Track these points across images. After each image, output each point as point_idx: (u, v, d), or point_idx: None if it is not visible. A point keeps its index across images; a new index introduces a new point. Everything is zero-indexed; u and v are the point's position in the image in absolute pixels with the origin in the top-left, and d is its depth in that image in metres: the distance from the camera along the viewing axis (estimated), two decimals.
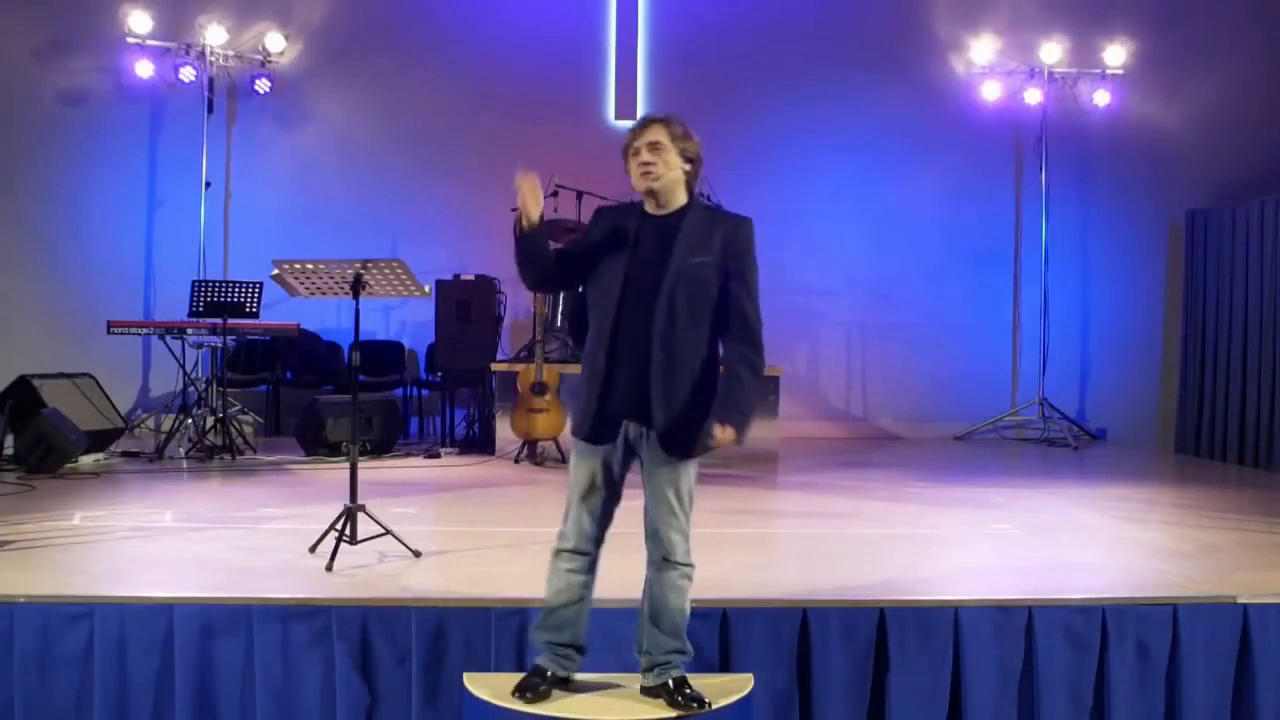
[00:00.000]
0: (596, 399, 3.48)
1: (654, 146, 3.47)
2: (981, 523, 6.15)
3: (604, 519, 3.58)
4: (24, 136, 9.88)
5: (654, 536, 3.53)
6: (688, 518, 3.55)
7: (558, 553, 3.58)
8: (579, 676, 3.69)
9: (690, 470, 3.54)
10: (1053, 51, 10.09)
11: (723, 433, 3.43)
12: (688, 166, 3.53)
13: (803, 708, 4.17)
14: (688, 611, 3.58)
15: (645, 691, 3.60)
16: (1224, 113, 10.27)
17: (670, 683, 3.55)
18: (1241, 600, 4.34)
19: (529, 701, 3.51)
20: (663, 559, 3.52)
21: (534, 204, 3.50)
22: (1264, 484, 8.14)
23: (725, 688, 3.71)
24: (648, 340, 3.42)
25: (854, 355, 10.46)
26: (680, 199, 3.54)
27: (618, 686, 3.70)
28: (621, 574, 3.76)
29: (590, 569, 3.60)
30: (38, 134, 9.87)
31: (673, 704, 3.51)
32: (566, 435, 5.46)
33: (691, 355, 3.46)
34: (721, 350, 3.55)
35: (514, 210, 3.56)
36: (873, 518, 6.28)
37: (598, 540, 3.59)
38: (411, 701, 4.09)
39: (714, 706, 3.54)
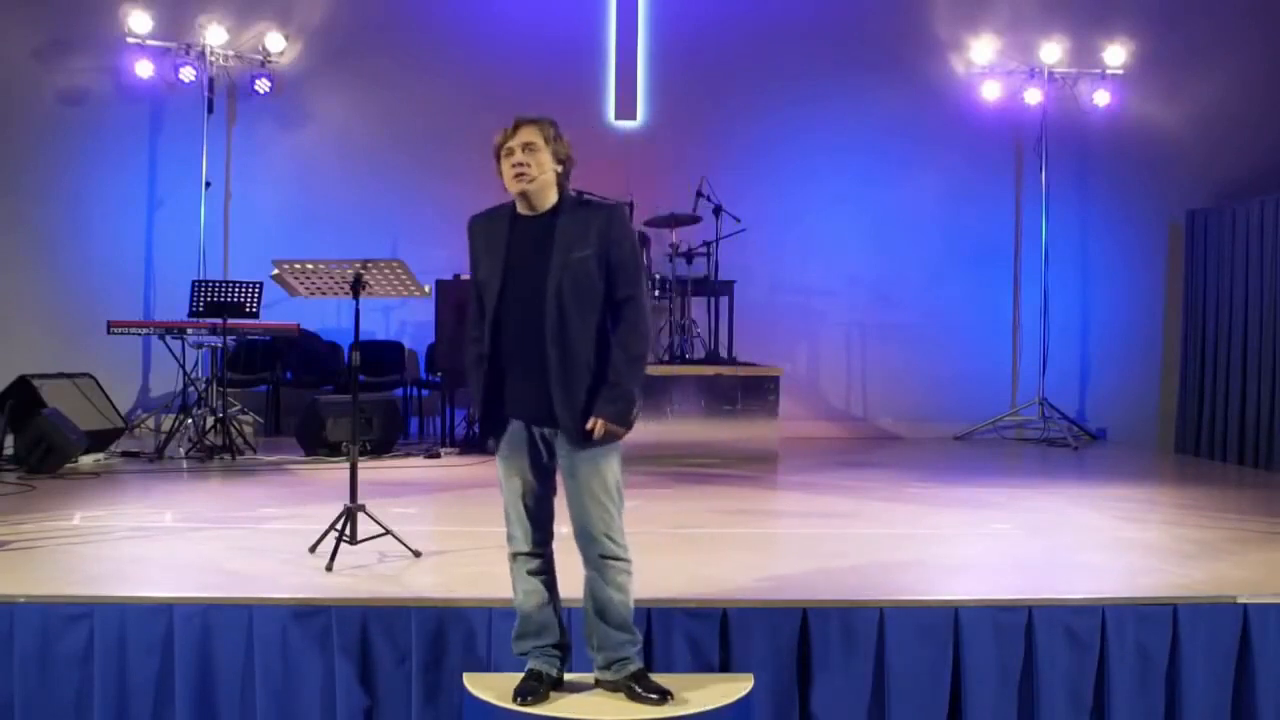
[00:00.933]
0: (496, 405, 3.53)
1: (528, 147, 3.47)
2: (981, 523, 6.15)
3: (545, 516, 3.61)
4: (24, 136, 9.88)
5: (585, 535, 3.51)
6: (619, 510, 3.53)
7: (514, 556, 3.62)
8: (572, 676, 3.70)
9: (612, 462, 3.51)
10: (1053, 51, 10.09)
11: (594, 425, 3.41)
12: (559, 167, 3.53)
13: (803, 708, 4.16)
14: (631, 604, 3.59)
15: (604, 685, 3.61)
16: (1224, 113, 10.28)
17: (631, 675, 3.57)
18: (1241, 600, 4.33)
19: (530, 705, 3.51)
20: (599, 556, 3.51)
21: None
22: (1264, 484, 8.13)
23: (725, 688, 3.71)
24: (540, 341, 3.43)
25: (854, 355, 10.46)
26: (552, 198, 3.54)
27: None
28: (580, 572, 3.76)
29: (549, 566, 3.64)
30: (38, 134, 9.88)
31: (633, 698, 3.52)
32: None
33: (585, 349, 3.46)
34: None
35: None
36: (873, 518, 6.28)
37: (547, 538, 3.63)
38: (411, 701, 4.08)
39: (699, 709, 3.52)
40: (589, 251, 3.45)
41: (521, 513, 3.57)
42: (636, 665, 3.60)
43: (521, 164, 3.46)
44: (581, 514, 3.50)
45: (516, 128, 3.50)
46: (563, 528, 3.65)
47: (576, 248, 3.44)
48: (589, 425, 3.42)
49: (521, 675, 3.63)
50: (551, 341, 3.43)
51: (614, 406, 3.43)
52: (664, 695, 3.51)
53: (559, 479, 3.60)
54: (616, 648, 3.58)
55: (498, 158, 3.54)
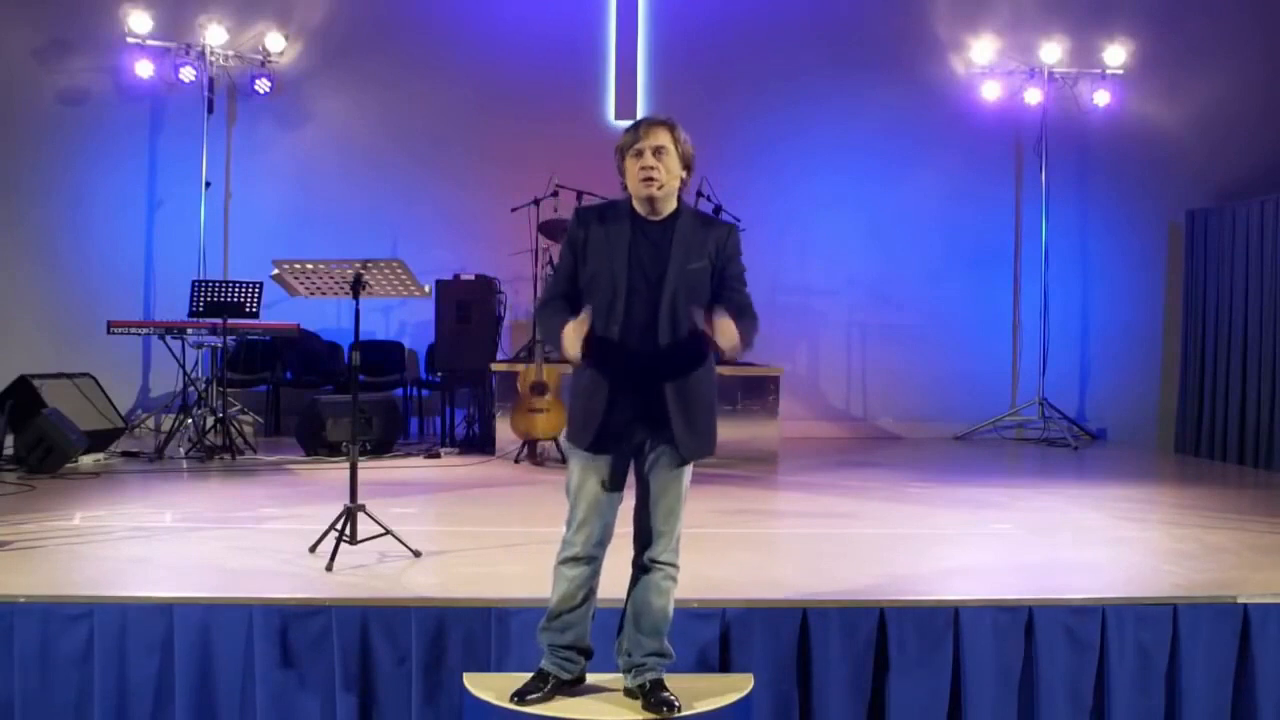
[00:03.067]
0: (604, 410, 3.44)
1: (659, 151, 3.41)
2: (981, 523, 6.15)
3: (612, 522, 3.57)
4: (24, 136, 9.88)
5: (649, 538, 3.52)
6: (680, 520, 3.56)
7: (568, 560, 3.54)
8: (591, 678, 3.70)
9: (689, 474, 3.55)
10: (1053, 51, 10.09)
11: (721, 324, 3.28)
12: (684, 174, 3.50)
13: (803, 708, 4.17)
14: (670, 613, 3.57)
15: (626, 693, 3.60)
16: (1224, 113, 10.28)
17: (647, 684, 3.54)
18: (1241, 600, 4.33)
19: (528, 704, 3.51)
20: (654, 561, 3.52)
21: (573, 345, 3.36)
22: (1264, 484, 8.14)
23: (725, 688, 3.71)
24: (653, 348, 3.41)
25: (854, 355, 10.46)
26: (673, 204, 3.50)
27: (617, 690, 3.70)
28: (623, 573, 3.75)
29: (596, 573, 3.59)
30: (38, 134, 9.88)
31: (646, 706, 3.50)
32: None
33: (696, 358, 3.46)
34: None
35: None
36: (873, 518, 6.28)
37: (606, 542, 3.57)
38: (411, 701, 4.08)
39: (699, 709, 3.52)
40: (704, 263, 3.44)
41: (590, 518, 3.50)
42: (655, 675, 3.57)
43: (651, 168, 3.41)
44: (654, 519, 3.51)
45: (649, 129, 3.44)
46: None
47: (692, 259, 3.43)
48: (717, 319, 3.29)
49: (525, 676, 3.62)
50: (666, 350, 3.41)
51: (745, 325, 3.36)
52: (672, 708, 3.48)
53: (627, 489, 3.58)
54: (642, 654, 3.56)
55: (621, 155, 3.48)
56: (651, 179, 3.41)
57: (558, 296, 3.53)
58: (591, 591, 3.58)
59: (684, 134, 3.48)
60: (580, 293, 3.50)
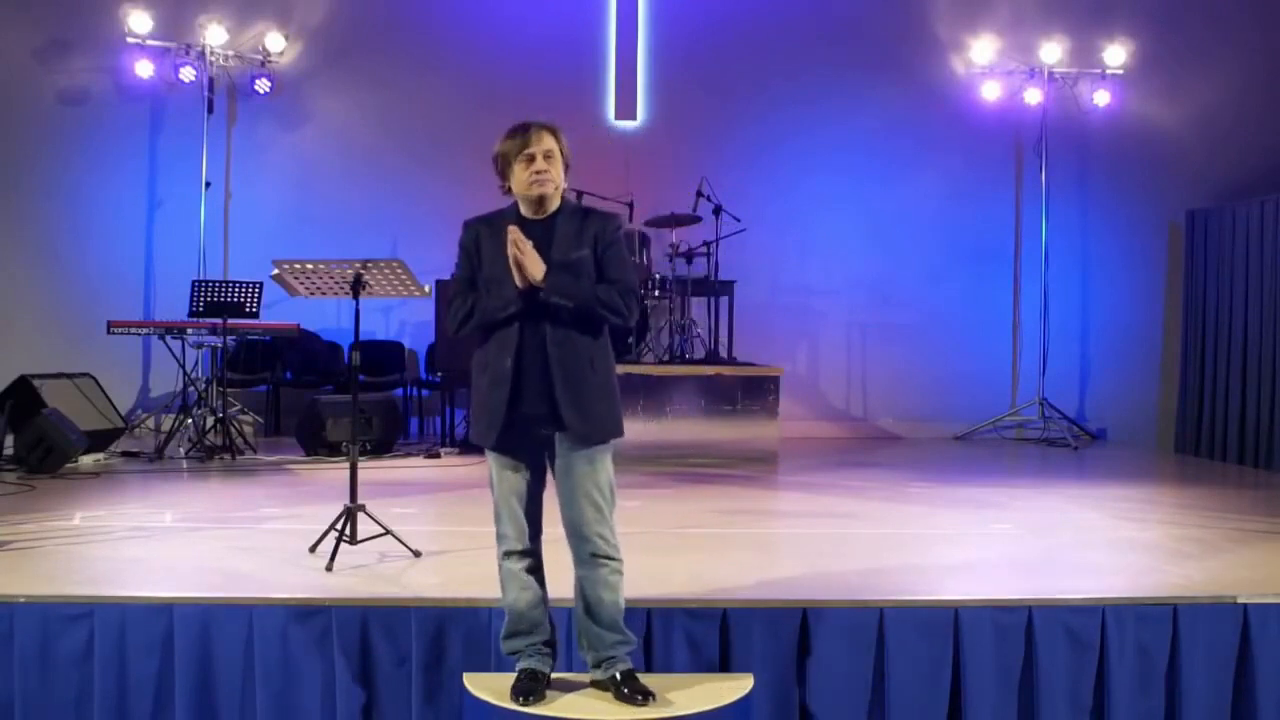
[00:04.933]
0: (505, 406, 3.53)
1: (549, 155, 3.54)
2: (981, 523, 6.15)
3: (537, 514, 3.65)
4: (24, 136, 9.88)
5: (578, 535, 3.57)
6: (611, 511, 3.59)
7: (506, 555, 3.64)
8: (570, 676, 3.73)
9: (606, 463, 3.59)
10: (1053, 51, 10.09)
11: (534, 261, 3.43)
12: (564, 173, 3.63)
13: (803, 708, 4.17)
14: (622, 604, 3.63)
15: (595, 685, 3.65)
16: (1224, 113, 10.28)
17: (617, 676, 3.59)
18: (1241, 600, 4.33)
19: (530, 704, 3.52)
20: (590, 556, 3.56)
21: (535, 264, 3.47)
22: (1264, 484, 8.14)
23: (725, 688, 3.71)
24: (542, 340, 3.51)
25: (854, 355, 10.46)
26: (556, 203, 3.62)
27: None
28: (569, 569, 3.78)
29: (539, 564, 3.67)
30: (38, 134, 9.87)
31: (620, 698, 3.56)
32: None
33: (586, 347, 3.55)
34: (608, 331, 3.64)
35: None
36: (873, 518, 6.28)
37: (537, 534, 3.66)
38: (411, 701, 4.08)
39: (699, 709, 3.53)
40: (585, 253, 3.54)
41: (515, 510, 3.61)
42: (625, 665, 3.63)
43: (543, 171, 3.53)
44: (576, 513, 3.56)
45: (538, 133, 3.55)
46: (552, 527, 3.68)
47: (573, 249, 3.53)
48: (522, 243, 3.43)
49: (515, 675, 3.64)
50: (554, 341, 3.50)
51: (567, 287, 3.46)
52: (647, 696, 3.54)
53: (548, 477, 3.65)
54: (606, 647, 3.61)
55: (507, 160, 3.58)
56: (544, 180, 3.53)
57: (460, 295, 3.65)
58: (542, 584, 3.67)
59: (564, 137, 3.61)
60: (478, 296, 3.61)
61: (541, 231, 3.56)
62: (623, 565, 3.62)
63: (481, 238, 3.63)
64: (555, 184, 3.55)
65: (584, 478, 3.54)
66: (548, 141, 3.54)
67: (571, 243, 3.54)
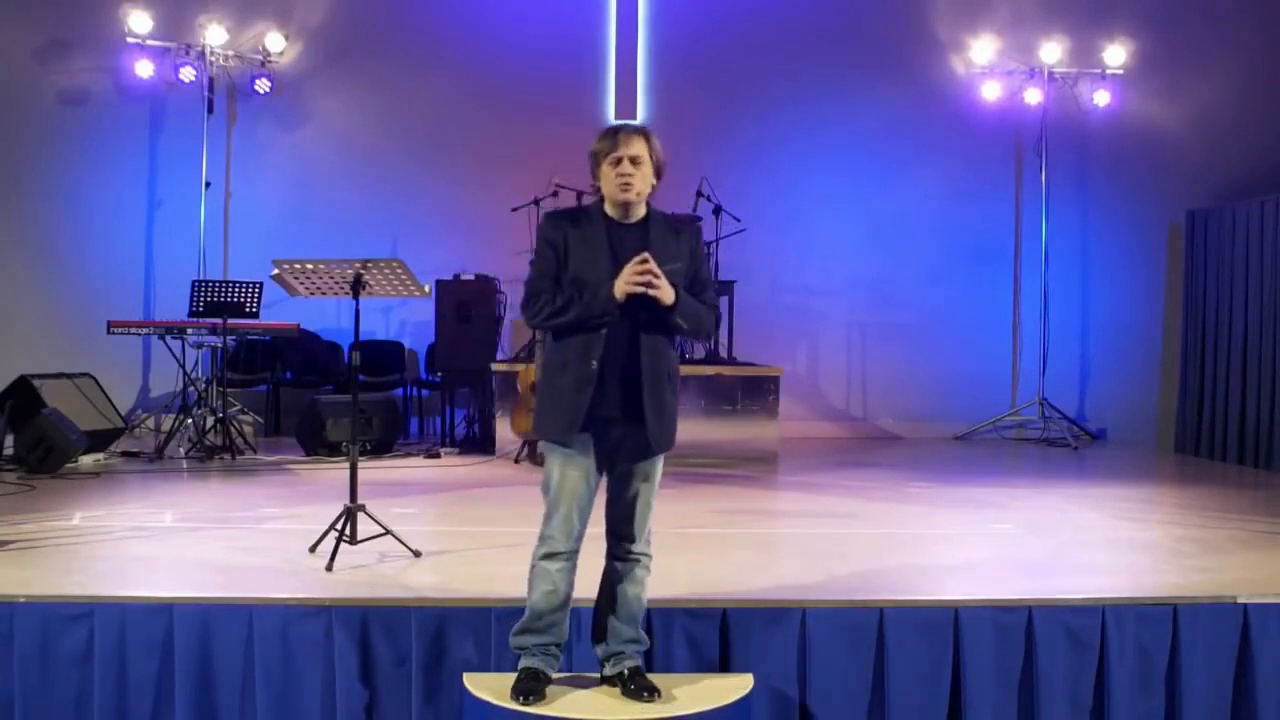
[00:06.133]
0: (589, 405, 3.53)
1: (636, 160, 3.54)
2: (981, 523, 6.15)
3: (587, 518, 3.67)
4: (24, 136, 9.88)
5: (625, 530, 3.64)
6: (653, 511, 3.71)
7: (547, 556, 3.62)
8: (573, 675, 3.75)
9: (660, 467, 3.70)
10: (1053, 51, 10.09)
11: (661, 280, 3.46)
12: (656, 181, 3.62)
13: (802, 708, 4.16)
14: (645, 602, 3.71)
15: (604, 680, 3.70)
16: (1224, 113, 10.28)
17: (625, 671, 3.65)
18: (1241, 600, 4.33)
19: (530, 704, 3.53)
20: (628, 552, 3.65)
21: (667, 290, 3.51)
22: (1264, 484, 8.14)
23: (725, 688, 3.72)
24: (632, 346, 3.53)
25: (854, 355, 10.46)
26: (643, 209, 3.63)
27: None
28: (592, 568, 3.80)
29: (574, 568, 3.69)
30: (38, 134, 9.88)
31: (626, 693, 3.61)
32: None
33: (667, 356, 3.62)
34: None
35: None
36: (873, 518, 6.28)
37: (581, 538, 3.68)
38: (411, 701, 4.08)
39: (699, 709, 3.54)
40: (679, 265, 3.58)
41: (573, 513, 3.60)
42: (634, 662, 3.69)
43: (628, 175, 3.53)
44: (628, 513, 3.65)
45: (627, 137, 3.55)
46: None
47: (668, 260, 3.54)
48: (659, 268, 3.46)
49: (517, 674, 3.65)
50: (645, 349, 3.54)
51: (684, 309, 3.53)
52: (654, 693, 3.59)
53: (603, 483, 3.68)
54: (620, 642, 3.67)
55: (597, 159, 3.58)
56: (628, 186, 3.53)
57: (546, 290, 3.59)
58: (571, 588, 3.68)
59: (658, 143, 3.62)
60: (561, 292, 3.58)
61: (635, 238, 3.57)
62: (651, 563, 3.72)
63: (570, 237, 3.58)
64: (639, 191, 3.54)
65: (646, 480, 3.64)
66: (636, 146, 3.54)
67: (668, 254, 3.55)
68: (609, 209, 3.61)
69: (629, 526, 3.63)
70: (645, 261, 3.44)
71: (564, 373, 3.57)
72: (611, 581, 3.68)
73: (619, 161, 3.52)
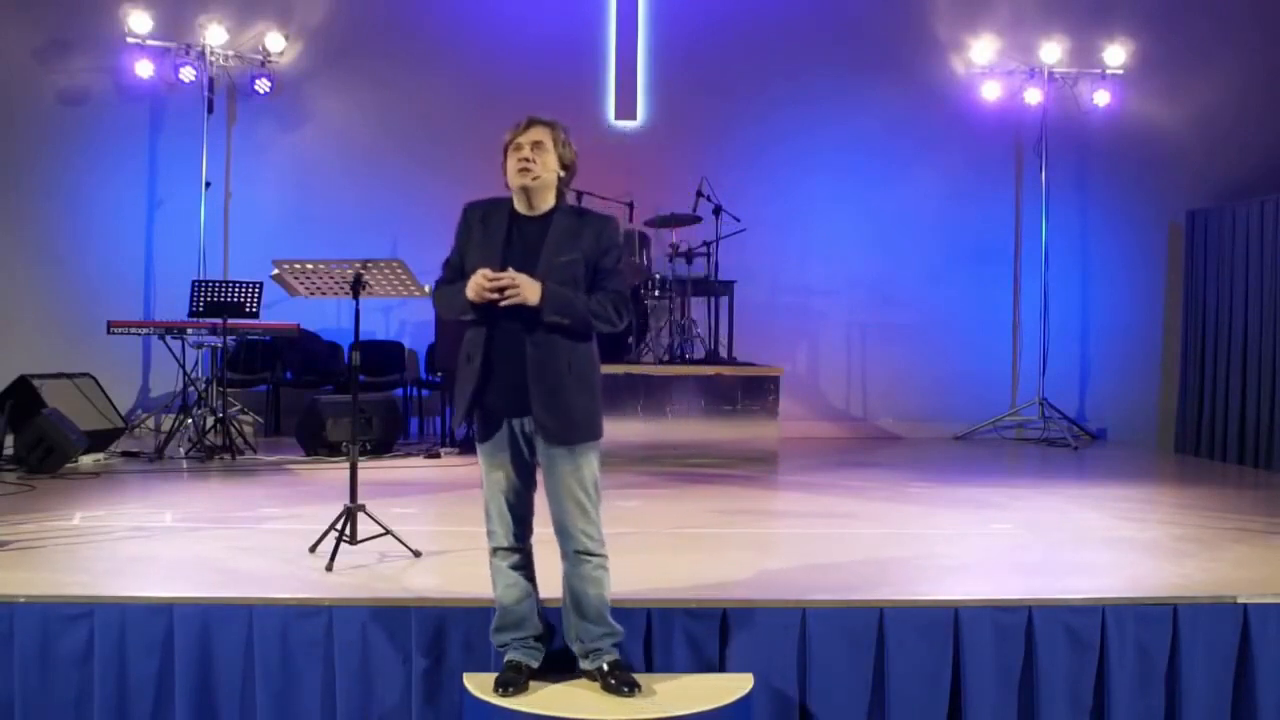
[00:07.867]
0: (471, 396, 3.58)
1: (537, 146, 3.56)
2: (981, 523, 6.14)
3: (525, 512, 3.70)
4: (24, 136, 9.88)
5: (562, 532, 3.63)
6: (595, 508, 3.63)
7: (494, 551, 3.71)
8: (561, 669, 3.78)
9: (590, 461, 3.62)
10: (1053, 51, 10.09)
11: (529, 285, 3.46)
12: (562, 172, 3.63)
13: (802, 708, 4.16)
14: (608, 597, 3.69)
15: (585, 675, 3.72)
16: (1224, 113, 10.28)
17: (605, 667, 3.66)
18: (1241, 600, 4.33)
19: (511, 695, 3.59)
20: (575, 553, 3.62)
21: (530, 289, 3.52)
22: (1264, 484, 8.13)
23: (725, 688, 3.72)
24: (521, 337, 3.53)
25: (854, 355, 10.46)
26: (550, 201, 3.64)
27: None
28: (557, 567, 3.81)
29: (528, 561, 3.72)
30: (38, 134, 9.87)
31: (607, 688, 3.63)
32: None
33: (565, 348, 3.56)
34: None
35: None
36: (873, 518, 6.28)
37: (526, 533, 3.71)
38: (411, 701, 4.08)
39: (699, 709, 3.54)
40: (576, 255, 3.55)
41: (502, 508, 3.66)
42: (612, 656, 3.69)
43: (528, 159, 3.54)
44: (560, 510, 3.61)
45: (529, 125, 3.59)
46: (543, 528, 3.71)
47: (565, 251, 3.54)
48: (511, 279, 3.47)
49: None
50: (530, 340, 3.53)
51: (559, 303, 3.50)
52: (633, 687, 3.61)
53: (538, 479, 3.69)
54: (593, 640, 3.68)
55: (505, 152, 3.61)
56: (526, 169, 3.54)
57: (446, 279, 3.71)
58: (531, 581, 3.72)
59: (565, 136, 3.62)
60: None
61: (537, 229, 3.58)
62: (608, 561, 3.67)
63: (473, 223, 3.67)
64: (537, 175, 3.54)
65: (567, 476, 3.58)
66: (536, 134, 3.56)
67: (565, 243, 3.56)
68: (516, 202, 3.64)
69: (562, 525, 3.62)
70: (498, 279, 3.46)
71: (467, 365, 3.63)
72: (570, 584, 3.68)
73: (520, 147, 3.55)
